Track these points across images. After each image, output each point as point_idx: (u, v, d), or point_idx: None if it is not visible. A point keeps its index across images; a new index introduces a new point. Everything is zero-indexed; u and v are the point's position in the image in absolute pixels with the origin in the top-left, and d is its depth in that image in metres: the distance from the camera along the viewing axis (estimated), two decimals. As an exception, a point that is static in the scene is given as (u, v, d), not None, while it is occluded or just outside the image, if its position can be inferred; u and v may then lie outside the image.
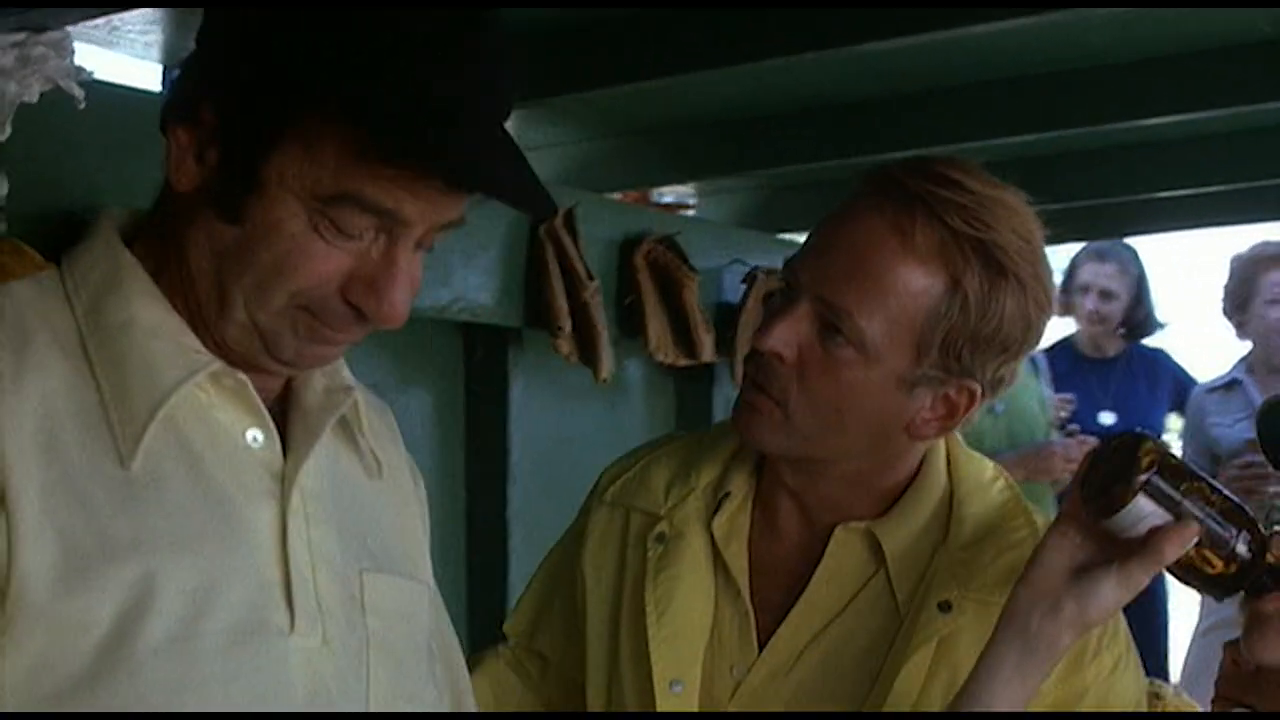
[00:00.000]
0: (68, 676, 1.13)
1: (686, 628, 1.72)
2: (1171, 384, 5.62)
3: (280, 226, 1.22)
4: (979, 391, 1.65)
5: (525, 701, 1.95)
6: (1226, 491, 1.53)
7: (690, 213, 4.60)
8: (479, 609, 3.63)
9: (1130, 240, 5.57)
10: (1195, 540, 1.49)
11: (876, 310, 1.58)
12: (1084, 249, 5.58)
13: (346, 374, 1.41)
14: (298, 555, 1.27)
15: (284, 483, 1.28)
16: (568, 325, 3.53)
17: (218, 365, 1.26)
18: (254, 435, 1.28)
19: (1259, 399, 5.08)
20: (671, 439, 1.93)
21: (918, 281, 1.58)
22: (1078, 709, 1.65)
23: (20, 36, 2.24)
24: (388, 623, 1.37)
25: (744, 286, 4.28)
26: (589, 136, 3.93)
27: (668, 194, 4.59)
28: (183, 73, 1.30)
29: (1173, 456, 1.52)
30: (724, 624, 1.74)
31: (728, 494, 1.77)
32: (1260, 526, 1.53)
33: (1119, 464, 1.52)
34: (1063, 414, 5.32)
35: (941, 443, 1.76)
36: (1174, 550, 1.48)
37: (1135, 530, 1.50)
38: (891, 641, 1.67)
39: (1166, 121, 3.37)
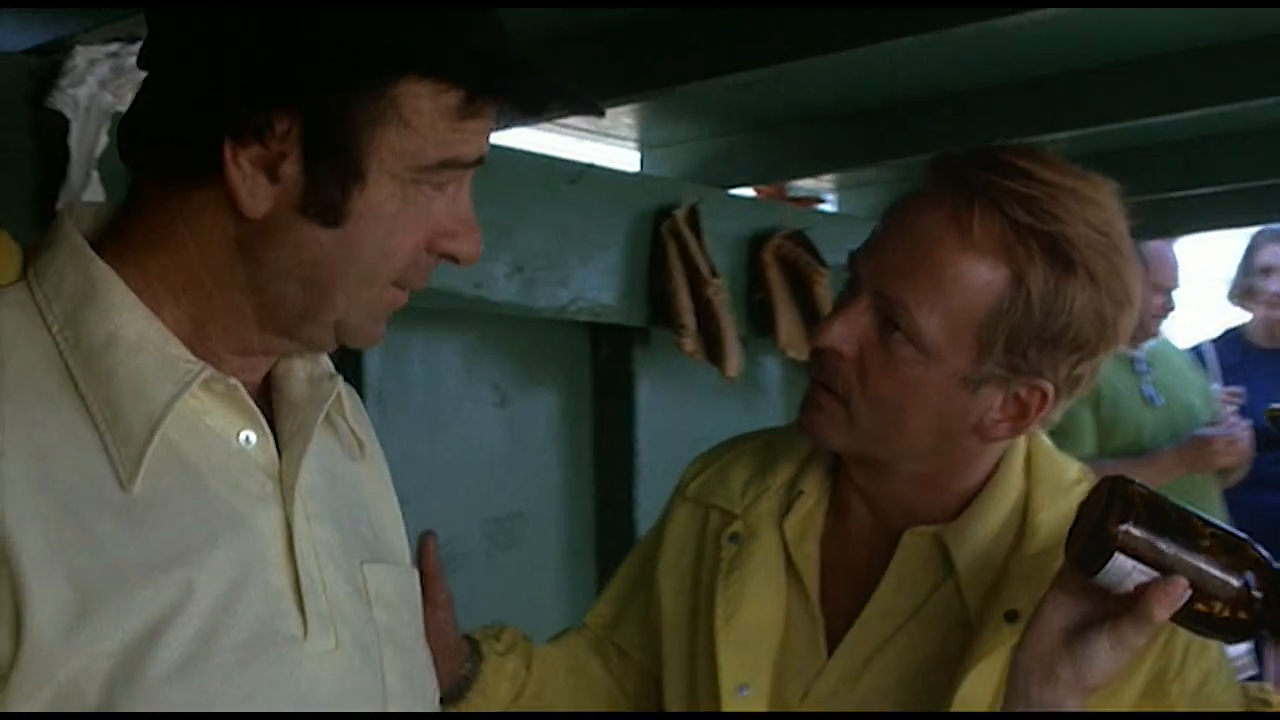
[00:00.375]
0: (81, 709, 1.09)
1: (755, 631, 1.67)
2: None
3: (382, 212, 1.19)
4: (1051, 391, 1.56)
5: (600, 684, 1.91)
6: (1225, 528, 1.41)
7: (826, 207, 4.56)
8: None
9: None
10: (1188, 592, 1.38)
11: (935, 306, 1.51)
12: (1262, 230, 5.38)
13: (324, 358, 1.35)
14: (305, 557, 1.23)
15: (282, 483, 1.24)
16: (691, 323, 3.51)
17: (208, 372, 1.20)
18: (246, 436, 1.23)
19: None
20: (754, 435, 1.87)
21: (978, 276, 1.50)
22: None
23: (114, 47, 2.31)
24: (393, 613, 1.34)
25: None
26: (716, 132, 3.90)
27: (802, 188, 4.57)
28: (210, 86, 1.19)
29: (1154, 499, 1.41)
30: (794, 627, 1.68)
31: (801, 493, 1.71)
32: (1271, 561, 1.40)
33: (1096, 516, 1.42)
34: (1230, 408, 5.18)
35: (1021, 443, 1.67)
36: (1163, 609, 1.38)
37: (1123, 587, 1.40)
38: (962, 651, 1.59)
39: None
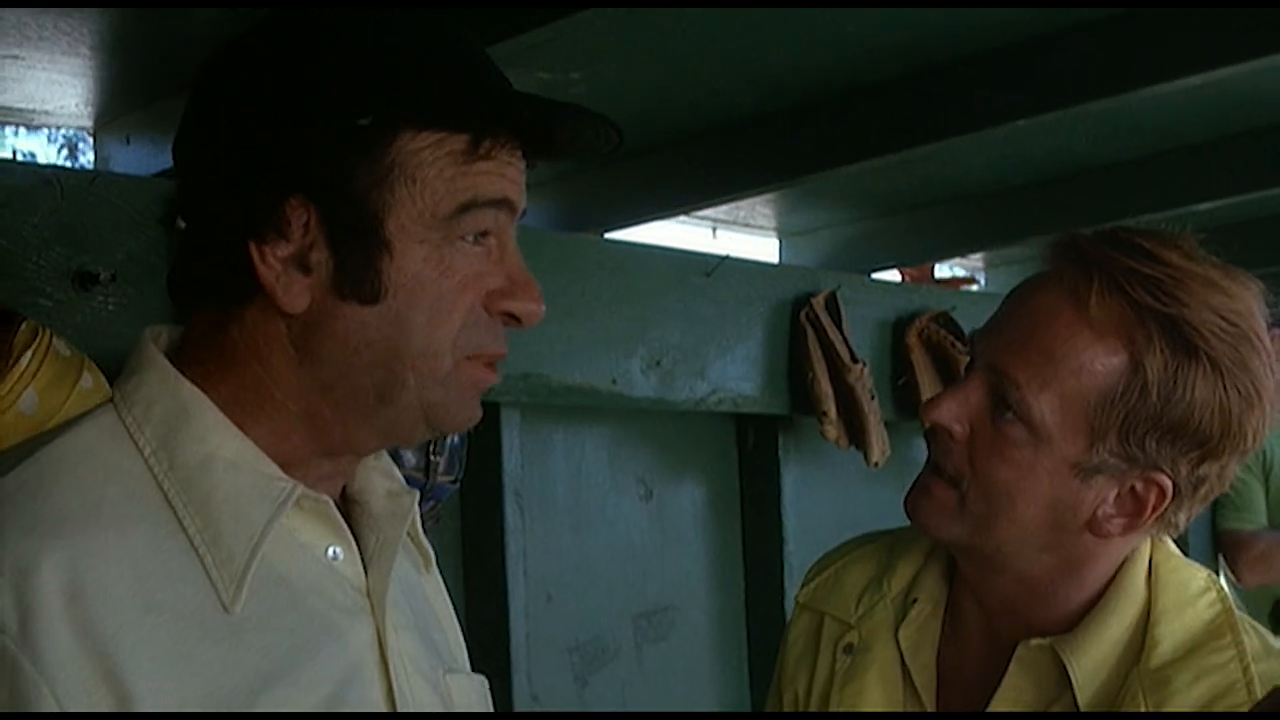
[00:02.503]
0: None
1: None
2: None
3: (421, 277, 1.19)
4: (1170, 488, 1.50)
5: None
6: None
7: (974, 287, 4.62)
8: (759, 698, 3.70)
9: None
10: None
11: (1047, 385, 1.48)
12: None
13: (397, 472, 1.38)
14: (397, 669, 1.26)
15: (371, 596, 1.27)
16: (832, 409, 3.56)
17: (300, 490, 1.22)
18: (334, 551, 1.25)
19: None
20: (873, 537, 1.84)
21: (1092, 357, 1.47)
22: None
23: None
24: None
25: (1032, 359, 4.26)
26: (855, 217, 3.98)
27: (957, 268, 4.63)
28: (222, 194, 1.21)
29: None
30: None
31: (916, 600, 1.68)
32: None
33: None
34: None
35: (1145, 550, 1.61)
36: None
37: None
38: None
39: None
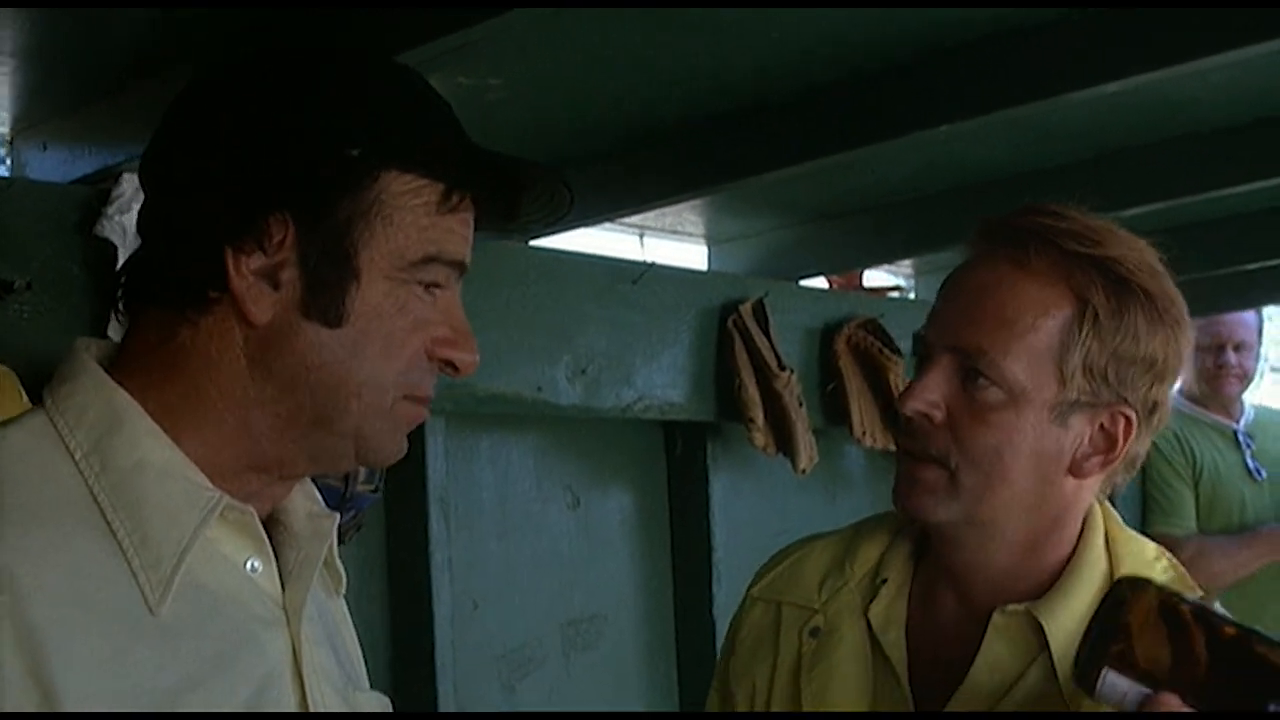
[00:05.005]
0: None
1: (838, 707, 1.73)
2: None
3: (380, 311, 1.25)
4: (1135, 417, 1.65)
5: None
6: (1262, 637, 1.37)
7: (898, 294, 4.66)
8: (688, 705, 3.74)
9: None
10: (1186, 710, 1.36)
11: (1011, 343, 1.61)
12: None
13: (318, 495, 1.42)
14: (311, 682, 1.30)
15: (287, 611, 1.30)
16: (760, 417, 3.60)
17: (226, 500, 1.26)
18: (253, 564, 1.29)
19: None
20: (828, 533, 1.91)
21: (1045, 307, 1.62)
22: None
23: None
24: None
25: (961, 365, 4.31)
26: (784, 224, 4.01)
27: (879, 276, 4.67)
28: (206, 201, 1.25)
29: (1167, 604, 1.40)
30: (885, 710, 1.73)
31: (884, 580, 1.76)
32: None
33: (1095, 629, 1.43)
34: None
35: (1099, 521, 1.73)
36: None
37: (1124, 707, 1.41)
38: None
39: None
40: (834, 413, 3.96)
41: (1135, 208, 3.58)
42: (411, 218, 1.25)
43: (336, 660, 1.38)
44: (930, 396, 1.63)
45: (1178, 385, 5.10)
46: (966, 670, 1.68)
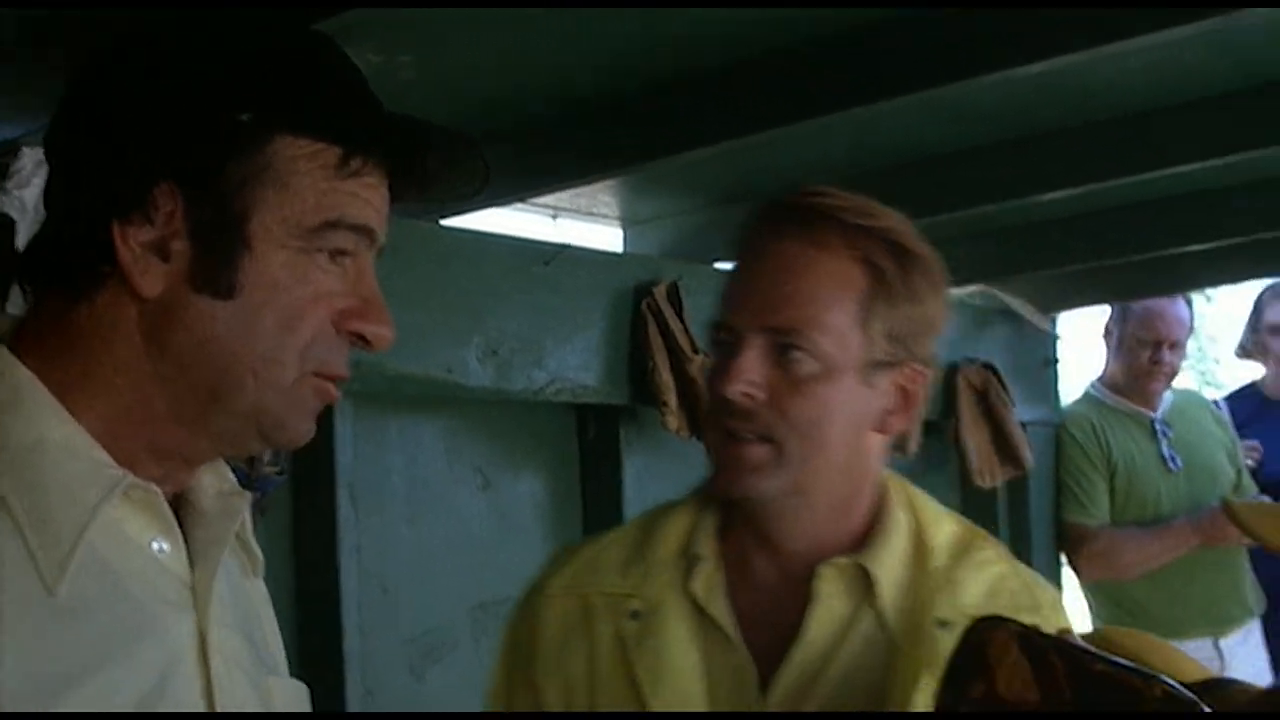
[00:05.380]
0: None
1: (684, 693, 1.79)
2: None
3: (275, 282, 1.22)
4: (925, 372, 1.83)
5: None
6: (1129, 671, 1.39)
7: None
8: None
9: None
10: None
11: (820, 317, 1.74)
12: (1270, 288, 5.46)
13: (230, 474, 1.40)
14: (217, 667, 1.27)
15: (195, 592, 1.28)
16: (674, 400, 3.59)
17: (130, 479, 1.23)
18: (159, 545, 1.27)
19: None
20: (613, 530, 2.02)
21: (845, 278, 1.75)
22: None
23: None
24: None
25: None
26: (700, 205, 3.99)
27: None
28: (92, 173, 1.24)
29: (1029, 645, 1.42)
30: (721, 681, 1.80)
31: (699, 557, 1.85)
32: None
33: (954, 673, 1.45)
34: (1249, 463, 5.25)
35: (890, 482, 1.90)
36: None
37: None
38: (892, 669, 1.77)
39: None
40: (748, 397, 3.94)
41: (1057, 190, 3.60)
42: (309, 182, 1.23)
43: (250, 644, 1.36)
44: (751, 377, 1.74)
45: (1098, 374, 5.16)
46: (797, 628, 1.80)
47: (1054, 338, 5.36)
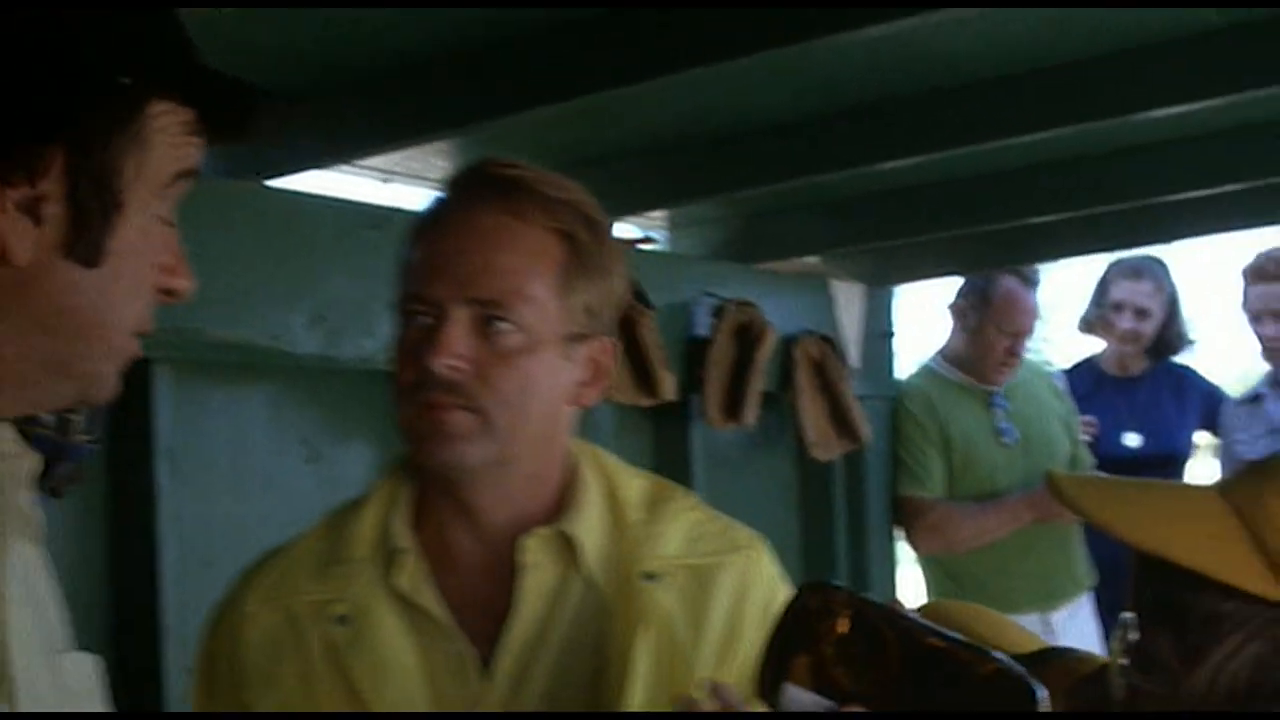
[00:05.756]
0: None
1: (405, 689, 1.78)
2: (1200, 401, 5.55)
3: (134, 247, 1.20)
4: (613, 345, 1.86)
5: None
6: (966, 647, 1.34)
7: (655, 246, 4.63)
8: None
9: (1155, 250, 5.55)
10: None
11: (524, 287, 1.74)
12: (1115, 265, 5.52)
13: (10, 432, 1.33)
14: (9, 643, 1.22)
15: None
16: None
17: None
18: None
19: (1278, 414, 5.07)
20: (296, 537, 1.95)
21: (546, 249, 1.76)
22: None
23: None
24: (89, 700, 1.34)
25: (713, 320, 4.32)
26: (543, 169, 3.92)
27: (632, 228, 4.62)
28: None
29: (859, 614, 1.37)
30: (442, 672, 1.80)
31: (398, 549, 1.83)
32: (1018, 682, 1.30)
33: (778, 639, 1.41)
34: (1085, 437, 5.31)
35: (578, 448, 1.92)
36: None
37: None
38: (608, 629, 1.80)
39: (1158, 117, 3.36)
40: (585, 366, 3.89)
41: (897, 160, 3.60)
42: (166, 142, 1.21)
43: (42, 619, 1.29)
44: (457, 350, 1.73)
45: (940, 346, 5.19)
46: (511, 603, 1.81)
47: (891, 310, 5.36)
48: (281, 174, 3.28)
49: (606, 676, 1.79)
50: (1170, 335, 5.52)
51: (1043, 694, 1.28)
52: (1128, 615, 1.41)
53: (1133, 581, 1.41)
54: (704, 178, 3.89)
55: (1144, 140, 3.99)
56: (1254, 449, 5.11)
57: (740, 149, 3.74)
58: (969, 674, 1.31)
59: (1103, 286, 5.49)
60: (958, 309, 5.13)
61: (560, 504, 1.86)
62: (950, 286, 5.24)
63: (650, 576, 1.81)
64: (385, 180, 3.83)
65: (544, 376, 1.77)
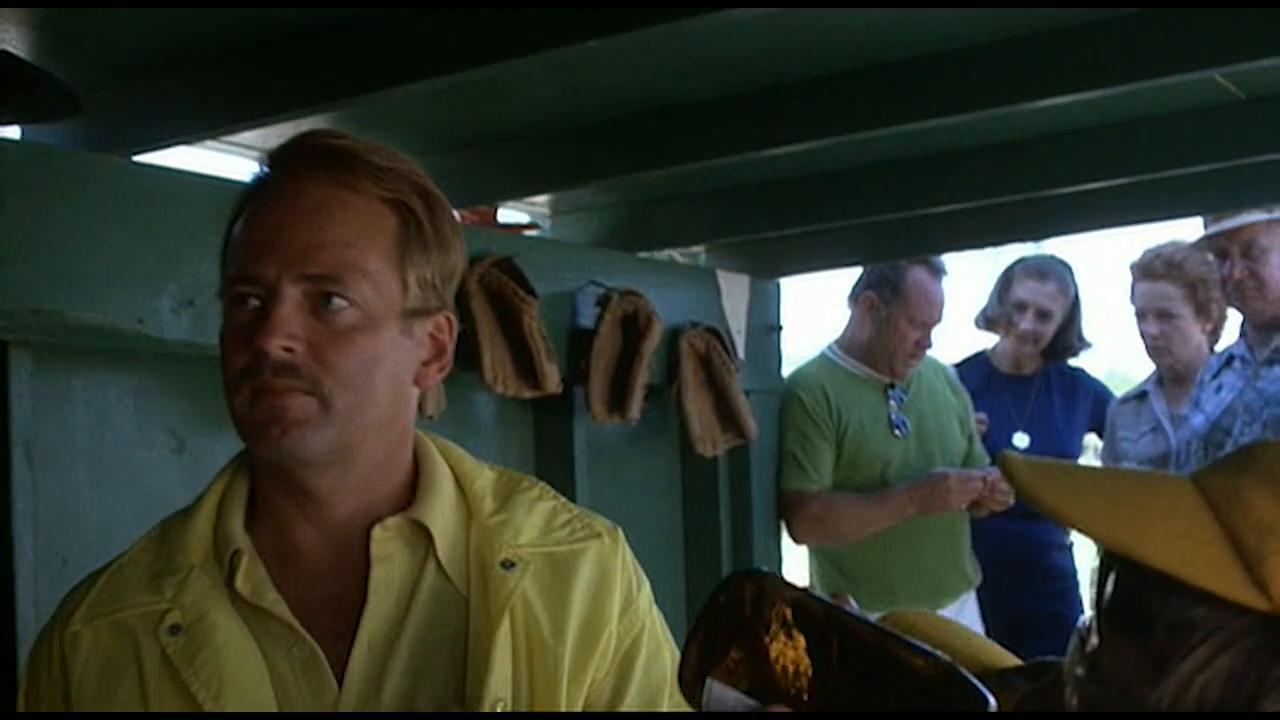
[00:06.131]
0: None
1: (250, 698, 1.70)
2: (1090, 403, 5.59)
3: None
4: (453, 320, 1.81)
5: None
6: (902, 644, 1.28)
7: (539, 233, 4.53)
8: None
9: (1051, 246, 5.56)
10: None
11: (360, 263, 1.68)
12: (1019, 264, 5.54)
13: None
14: None
15: None
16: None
17: None
18: None
19: (1165, 412, 5.08)
20: (124, 554, 1.86)
21: (382, 222, 1.70)
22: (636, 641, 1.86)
23: None
24: None
25: (598, 310, 4.22)
26: (415, 150, 3.78)
27: (519, 214, 4.53)
28: None
29: (804, 602, 1.30)
30: (288, 676, 1.73)
31: (237, 551, 1.76)
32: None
33: (702, 636, 1.34)
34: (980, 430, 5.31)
35: (422, 436, 1.87)
36: None
37: (729, 714, 1.32)
38: (465, 621, 1.76)
39: (1046, 106, 3.33)
40: (462, 356, 3.77)
41: (792, 144, 3.53)
42: None
43: None
44: (291, 329, 1.65)
45: (837, 336, 5.14)
46: (362, 598, 1.75)
47: (779, 304, 5.29)
48: (149, 149, 3.14)
49: (466, 671, 1.74)
50: (1068, 338, 5.58)
51: (991, 699, 1.23)
52: (1084, 619, 1.31)
53: (1094, 581, 1.30)
54: (587, 162, 3.80)
55: (1036, 132, 3.97)
56: (1137, 447, 5.13)
57: (624, 133, 3.66)
58: (911, 674, 1.25)
59: (1006, 284, 5.50)
60: (867, 300, 5.07)
61: (409, 493, 1.81)
62: (842, 278, 5.21)
63: (509, 565, 1.77)
64: (259, 158, 3.69)
65: (385, 355, 1.71)
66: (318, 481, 1.75)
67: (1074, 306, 5.53)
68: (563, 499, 1.93)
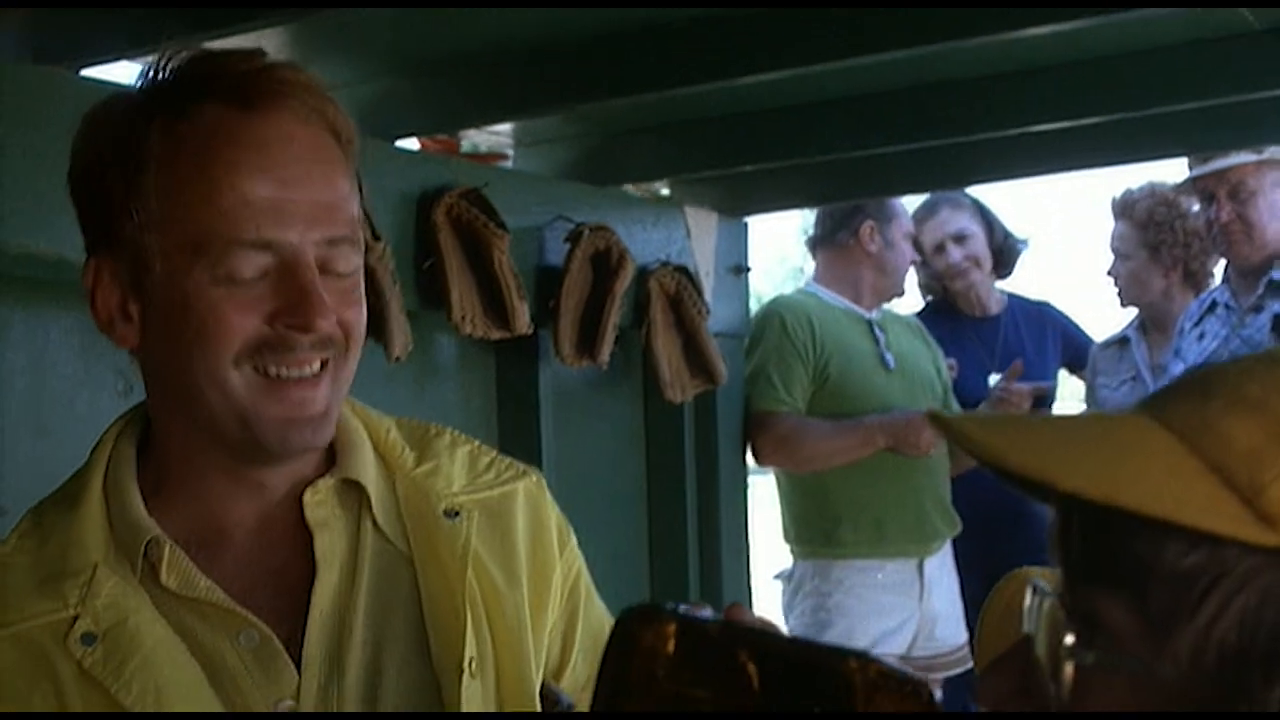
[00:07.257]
0: None
1: (195, 703, 1.53)
2: (1060, 338, 5.53)
3: None
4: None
5: None
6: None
7: (506, 164, 4.35)
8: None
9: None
10: None
11: (355, 213, 1.58)
12: (911, 217, 5.43)
13: None
14: None
15: None
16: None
17: None
18: None
19: (1145, 360, 4.99)
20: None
21: (341, 159, 1.58)
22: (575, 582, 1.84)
23: None
24: None
25: (568, 246, 4.04)
26: (377, 74, 3.65)
27: (481, 144, 4.35)
28: None
29: (699, 628, 1.15)
30: (238, 668, 1.57)
31: (152, 541, 1.58)
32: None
33: (612, 677, 1.17)
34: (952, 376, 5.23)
35: None
36: None
37: None
38: (412, 581, 1.67)
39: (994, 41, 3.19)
40: (430, 293, 3.59)
41: (752, 75, 3.41)
42: None
43: None
44: (329, 300, 1.55)
45: (812, 277, 5.05)
46: (308, 569, 1.63)
47: (746, 244, 5.11)
48: (97, 62, 2.94)
49: (427, 633, 1.65)
50: (999, 244, 5.52)
51: (937, 694, 1.06)
52: (1041, 582, 1.15)
53: (1058, 537, 1.12)
54: (551, 88, 3.64)
55: (1019, 66, 3.83)
56: (1116, 395, 5.04)
57: (596, 56, 3.50)
58: (847, 682, 1.10)
59: (915, 241, 5.35)
60: (869, 229, 5.04)
61: (329, 452, 1.69)
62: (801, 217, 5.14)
63: (452, 514, 1.69)
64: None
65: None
66: (279, 463, 1.64)
67: (981, 214, 5.50)
68: (476, 440, 1.84)
